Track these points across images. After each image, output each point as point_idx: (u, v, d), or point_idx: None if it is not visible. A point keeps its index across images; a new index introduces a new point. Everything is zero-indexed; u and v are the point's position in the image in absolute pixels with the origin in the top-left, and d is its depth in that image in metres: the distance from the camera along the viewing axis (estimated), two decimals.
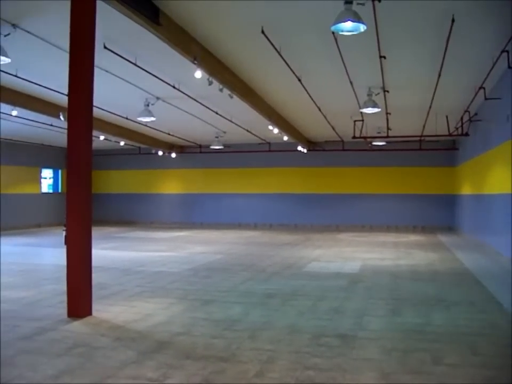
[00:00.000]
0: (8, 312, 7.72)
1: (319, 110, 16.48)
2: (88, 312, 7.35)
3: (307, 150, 25.46)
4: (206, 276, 11.18)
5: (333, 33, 8.99)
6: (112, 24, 9.25)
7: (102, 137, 21.54)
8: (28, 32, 9.92)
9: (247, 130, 21.32)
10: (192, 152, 27.79)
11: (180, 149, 27.85)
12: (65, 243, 7.55)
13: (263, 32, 9.62)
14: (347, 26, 8.01)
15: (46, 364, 5.37)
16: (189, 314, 7.65)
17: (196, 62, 10.66)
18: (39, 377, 4.98)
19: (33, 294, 9.13)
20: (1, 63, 10.26)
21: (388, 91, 13.98)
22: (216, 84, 12.24)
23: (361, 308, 8.04)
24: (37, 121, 18.32)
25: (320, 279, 10.76)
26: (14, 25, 9.56)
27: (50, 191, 28.97)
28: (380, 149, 23.88)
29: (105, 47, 10.39)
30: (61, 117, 15.30)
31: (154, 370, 5.14)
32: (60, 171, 28.80)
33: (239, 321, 7.21)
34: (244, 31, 10.19)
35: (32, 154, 26.23)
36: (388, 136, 19.94)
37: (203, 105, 16.01)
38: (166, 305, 8.22)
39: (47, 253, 16.36)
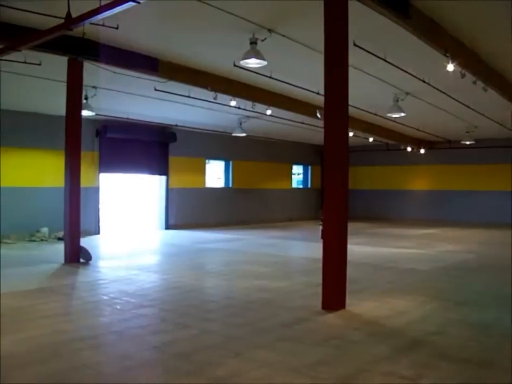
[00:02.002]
0: (268, 301, 8.23)
1: None
2: (341, 305, 7.51)
3: None
4: (458, 275, 10.78)
5: None
6: (361, 21, 9.26)
7: (351, 134, 21.81)
8: (283, 35, 10.39)
9: (500, 124, 20.11)
10: (441, 148, 26.93)
11: (429, 144, 27.14)
12: (322, 237, 7.80)
13: None
14: None
15: (304, 352, 5.62)
16: (442, 314, 7.45)
17: (447, 54, 10.31)
18: (298, 364, 5.22)
19: (288, 285, 9.60)
20: (258, 66, 10.90)
21: None
22: (469, 76, 11.72)
23: None
24: (288, 120, 19.14)
25: None
26: (269, 30, 10.08)
27: (300, 186, 30.13)
28: None
29: (355, 45, 10.49)
30: (318, 115, 15.80)
31: (408, 369, 5.08)
32: (309, 167, 29.80)
33: (495, 326, 6.83)
34: (499, 18, 9.57)
35: (284, 151, 27.49)
36: None
37: (454, 99, 15.42)
38: (417, 303, 8.09)
39: (298, 246, 17.07)
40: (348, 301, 7.64)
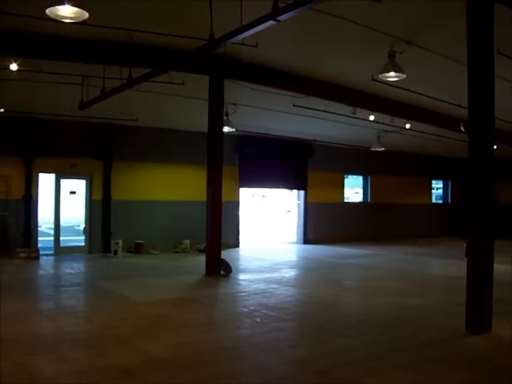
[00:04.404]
0: (407, 318, 8.04)
1: None
2: (487, 327, 7.13)
3: None
4: None
5: None
6: (507, 27, 8.86)
7: (494, 147, 20.82)
8: (422, 47, 10.15)
9: None
10: None
11: None
12: (466, 255, 7.50)
13: None
14: None
15: (447, 375, 5.44)
16: None
17: None
18: None
19: (428, 303, 9.33)
20: (397, 79, 10.69)
21: None
22: None
23: None
24: (428, 133, 18.59)
25: None
26: (408, 42, 9.89)
27: (440, 201, 29.22)
28: None
29: (499, 53, 10.03)
30: (462, 128, 15.29)
31: None
32: (449, 182, 28.82)
33: None
34: None
35: (423, 165, 26.72)
36: None
37: None
38: None
39: (437, 263, 16.53)
40: (494, 323, 7.25)
